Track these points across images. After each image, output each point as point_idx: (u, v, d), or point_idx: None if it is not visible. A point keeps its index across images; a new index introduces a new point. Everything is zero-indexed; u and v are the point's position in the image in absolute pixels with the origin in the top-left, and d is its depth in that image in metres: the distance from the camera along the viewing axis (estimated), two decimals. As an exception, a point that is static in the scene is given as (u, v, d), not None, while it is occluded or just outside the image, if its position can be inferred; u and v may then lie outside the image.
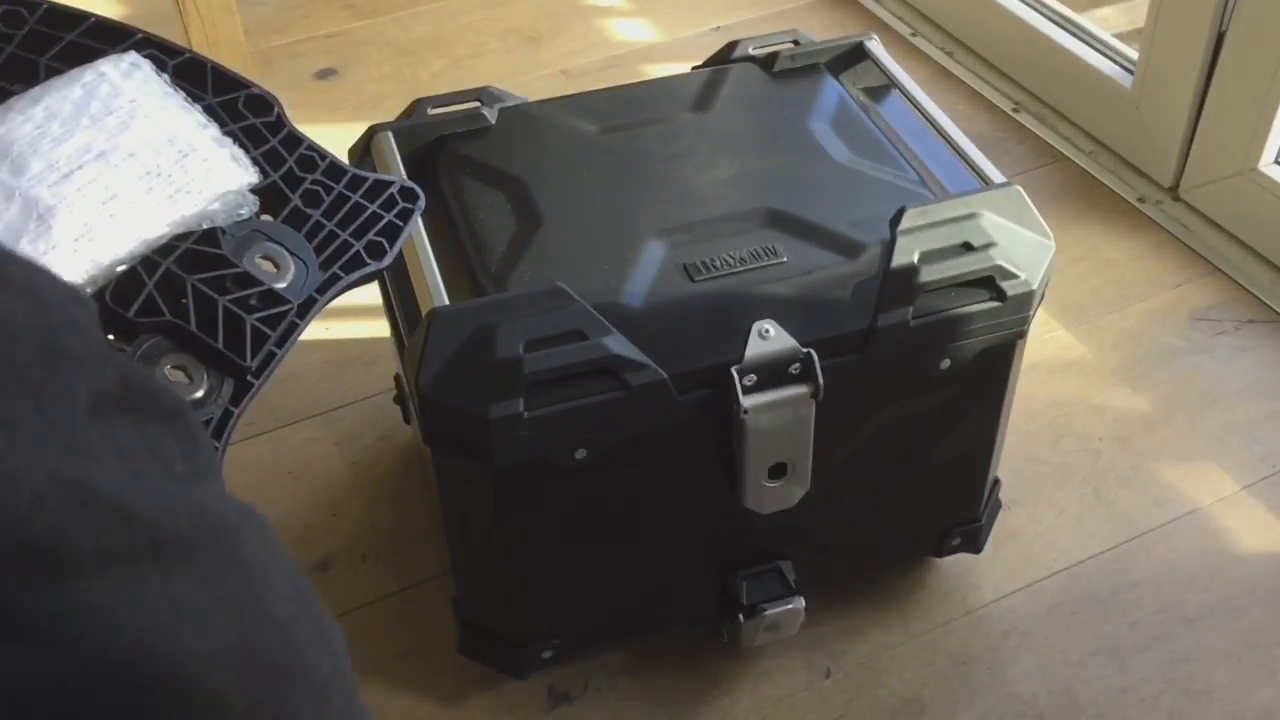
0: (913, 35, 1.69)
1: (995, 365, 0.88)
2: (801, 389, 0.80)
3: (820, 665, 0.98)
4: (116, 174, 0.59)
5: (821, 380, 0.79)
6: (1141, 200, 1.41)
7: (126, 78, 0.63)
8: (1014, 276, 0.83)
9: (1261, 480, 1.11)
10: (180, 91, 0.64)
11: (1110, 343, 1.25)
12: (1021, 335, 0.86)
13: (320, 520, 1.09)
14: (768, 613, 0.90)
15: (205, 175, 0.61)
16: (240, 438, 1.17)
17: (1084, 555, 1.05)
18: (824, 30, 1.68)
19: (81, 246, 0.57)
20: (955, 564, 1.04)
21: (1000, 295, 0.83)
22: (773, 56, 1.00)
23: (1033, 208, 0.87)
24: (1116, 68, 1.46)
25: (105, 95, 0.62)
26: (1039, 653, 0.98)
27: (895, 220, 0.83)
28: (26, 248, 0.55)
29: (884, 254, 0.82)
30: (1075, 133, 1.51)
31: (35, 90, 0.62)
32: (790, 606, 0.90)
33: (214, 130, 0.63)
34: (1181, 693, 0.95)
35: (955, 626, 1.00)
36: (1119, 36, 1.50)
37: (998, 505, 1.02)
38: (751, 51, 1.01)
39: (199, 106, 0.64)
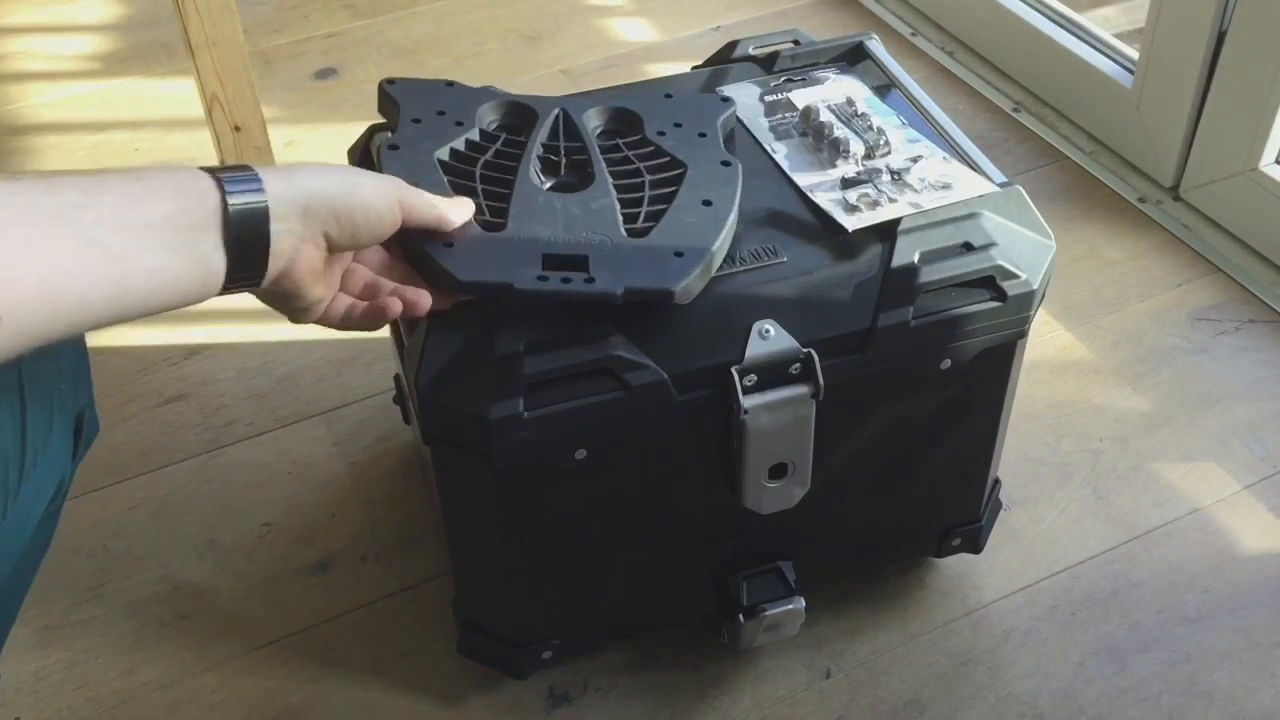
0: (913, 35, 1.69)
1: (996, 365, 0.88)
2: (802, 389, 0.80)
3: (820, 665, 0.98)
4: None
5: (822, 380, 0.79)
6: (1142, 200, 1.41)
7: None
8: (1015, 276, 0.83)
9: (1262, 480, 1.11)
10: None
11: (1111, 343, 1.25)
12: (1022, 335, 0.86)
13: (320, 520, 1.09)
14: (768, 613, 0.90)
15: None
16: (240, 437, 1.17)
17: (1084, 556, 1.05)
18: (824, 30, 1.68)
19: None
20: (955, 564, 1.04)
21: (1001, 295, 0.83)
22: (773, 56, 1.00)
23: (1033, 208, 0.87)
24: (1117, 67, 1.46)
25: None
26: (1039, 653, 0.98)
27: (895, 221, 0.83)
28: None
29: (884, 254, 0.82)
30: (1076, 132, 1.51)
31: None
32: (790, 607, 0.90)
33: None
34: (1182, 693, 0.95)
35: (955, 627, 1.00)
36: (1119, 36, 1.50)
37: (998, 506, 1.02)
38: (751, 51, 1.01)
39: None
